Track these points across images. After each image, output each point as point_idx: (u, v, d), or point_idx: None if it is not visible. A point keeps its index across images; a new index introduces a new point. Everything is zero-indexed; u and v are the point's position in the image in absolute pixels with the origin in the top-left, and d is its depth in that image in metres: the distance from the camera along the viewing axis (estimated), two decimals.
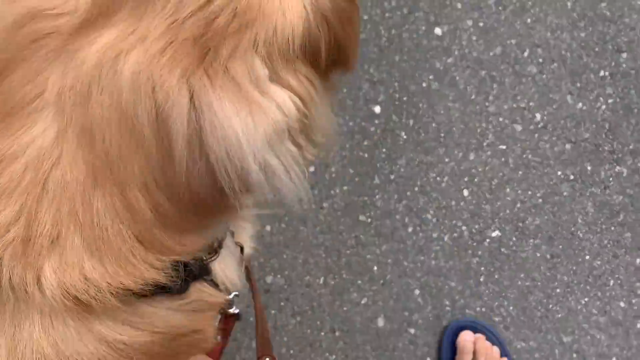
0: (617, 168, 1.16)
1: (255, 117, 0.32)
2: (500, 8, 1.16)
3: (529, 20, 1.16)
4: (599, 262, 1.14)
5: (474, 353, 1.03)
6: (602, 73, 1.17)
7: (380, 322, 1.08)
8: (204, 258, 0.44)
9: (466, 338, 1.03)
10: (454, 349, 1.05)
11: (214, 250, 0.47)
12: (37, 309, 0.33)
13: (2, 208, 0.32)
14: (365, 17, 1.12)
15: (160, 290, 0.37)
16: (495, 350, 1.03)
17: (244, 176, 0.33)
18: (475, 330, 1.05)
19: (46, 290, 0.32)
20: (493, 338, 1.05)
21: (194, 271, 0.41)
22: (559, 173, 1.14)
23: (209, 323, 0.47)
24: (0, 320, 0.34)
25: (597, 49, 1.17)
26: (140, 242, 0.34)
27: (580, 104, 1.16)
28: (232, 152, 0.31)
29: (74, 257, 0.33)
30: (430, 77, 1.12)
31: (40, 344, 0.34)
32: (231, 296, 0.51)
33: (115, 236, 0.33)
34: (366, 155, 1.11)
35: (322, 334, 1.07)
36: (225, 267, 0.50)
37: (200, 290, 0.44)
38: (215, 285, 0.47)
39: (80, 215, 0.32)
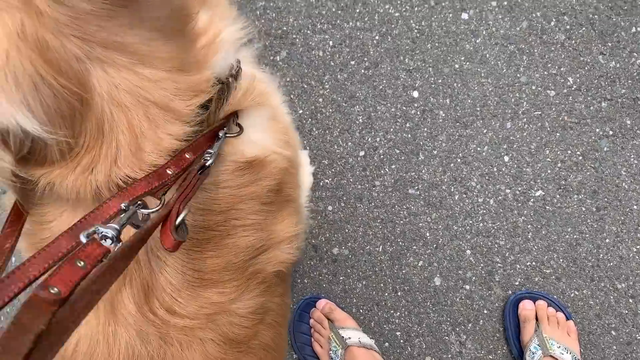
0: None
1: None
2: None
3: None
4: None
5: (539, 319, 1.15)
6: (633, 29, 1.25)
7: (437, 281, 1.25)
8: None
9: (527, 307, 1.17)
10: (517, 321, 1.19)
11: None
12: None
13: None
14: (397, 14, 1.30)
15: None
16: (560, 315, 1.15)
17: None
18: (534, 299, 1.18)
19: None
20: (553, 304, 1.17)
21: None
22: (597, 130, 1.24)
23: None
24: None
25: (625, 7, 1.25)
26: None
27: (613, 63, 1.25)
28: None
29: None
30: (462, 58, 1.28)
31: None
32: None
33: None
34: (409, 135, 1.28)
35: (386, 294, 1.26)
36: None
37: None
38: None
39: None
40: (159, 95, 0.48)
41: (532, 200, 1.25)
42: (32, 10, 0.39)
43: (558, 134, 1.25)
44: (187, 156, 0.52)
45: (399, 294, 1.27)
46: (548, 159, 1.25)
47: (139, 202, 0.48)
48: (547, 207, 1.25)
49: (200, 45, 0.54)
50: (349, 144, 1.31)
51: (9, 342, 0.31)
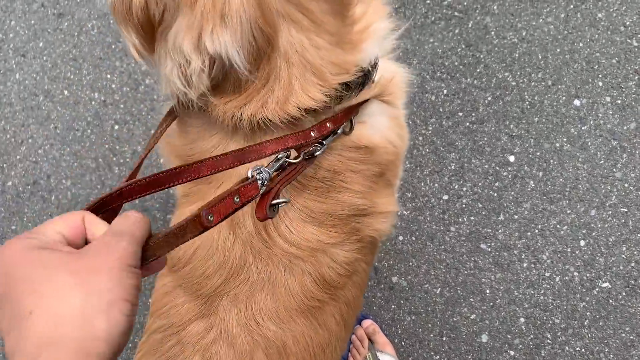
0: None
1: None
2: (639, 89, 1.37)
3: None
4: None
5: None
6: None
7: (484, 338, 1.30)
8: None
9: None
10: None
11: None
12: None
13: None
14: (513, 83, 1.42)
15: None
16: None
17: None
18: None
19: None
20: None
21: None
22: None
23: None
24: None
25: None
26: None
27: None
28: None
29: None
30: (564, 139, 1.37)
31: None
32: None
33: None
34: (495, 194, 1.37)
35: (432, 335, 1.32)
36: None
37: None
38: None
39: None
40: (317, 62, 0.62)
41: (597, 289, 1.30)
42: None
43: (639, 236, 1.31)
44: (329, 125, 0.65)
45: (444, 339, 1.33)
46: (623, 256, 1.31)
47: (288, 152, 0.61)
48: (611, 301, 1.29)
49: (356, 30, 0.68)
50: (436, 185, 1.41)
51: (170, 237, 0.45)
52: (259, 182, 0.56)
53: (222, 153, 0.57)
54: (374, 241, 0.79)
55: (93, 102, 1.65)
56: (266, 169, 0.58)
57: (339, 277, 0.71)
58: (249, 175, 0.56)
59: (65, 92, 1.68)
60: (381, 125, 0.75)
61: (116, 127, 1.62)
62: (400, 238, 1.41)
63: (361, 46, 0.68)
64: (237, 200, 0.52)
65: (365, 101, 0.72)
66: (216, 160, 0.56)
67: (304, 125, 0.65)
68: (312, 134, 0.64)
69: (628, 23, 1.41)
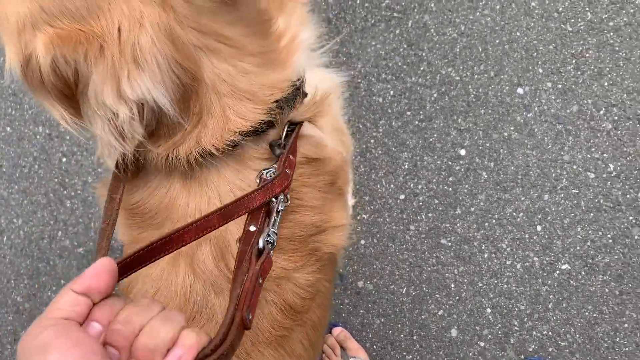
0: None
1: None
2: (579, 73, 1.44)
3: (605, 84, 1.42)
4: None
5: None
6: None
7: (454, 332, 1.34)
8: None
9: None
10: None
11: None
12: None
13: None
14: (457, 78, 1.46)
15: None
16: None
17: None
18: None
19: None
20: None
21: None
22: (631, 218, 1.35)
23: None
24: None
25: None
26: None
27: None
28: None
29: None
30: (511, 128, 1.42)
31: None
32: None
33: None
34: (450, 189, 1.41)
35: (402, 335, 1.35)
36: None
37: None
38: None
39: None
40: (249, 87, 0.64)
41: (557, 272, 1.35)
42: (167, 6, 0.55)
43: (592, 215, 1.37)
44: (291, 158, 0.66)
45: (415, 337, 1.36)
46: (579, 236, 1.36)
47: (277, 197, 0.63)
48: (571, 282, 1.34)
49: (282, 45, 0.70)
50: (392, 186, 1.44)
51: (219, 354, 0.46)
52: (270, 246, 0.59)
53: (207, 213, 0.57)
54: (333, 257, 0.81)
55: (38, 137, 1.64)
56: (273, 230, 0.60)
57: (303, 301, 0.73)
58: (261, 246, 0.58)
59: (8, 128, 1.66)
60: (324, 135, 0.77)
61: (64, 159, 1.61)
62: (362, 242, 1.43)
63: (290, 61, 0.69)
64: (261, 281, 0.54)
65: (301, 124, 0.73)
66: (202, 222, 0.56)
67: (245, 152, 0.66)
68: (287, 171, 0.65)
69: (561, 9, 1.48)
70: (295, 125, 0.71)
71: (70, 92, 0.58)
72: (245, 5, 0.63)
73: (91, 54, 0.53)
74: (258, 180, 0.65)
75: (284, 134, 0.70)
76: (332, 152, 0.77)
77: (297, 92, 0.70)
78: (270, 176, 0.64)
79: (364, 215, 1.45)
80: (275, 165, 0.66)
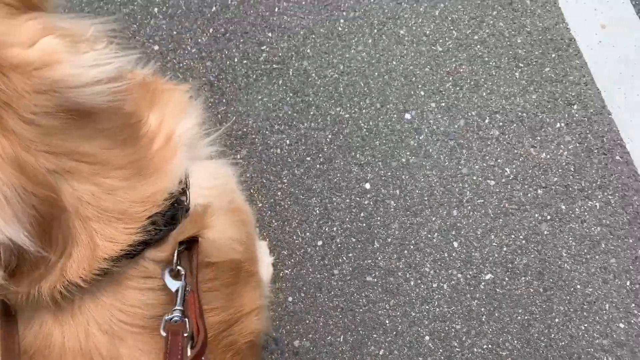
0: (590, 203, 1.41)
1: None
2: (457, 88, 1.51)
3: (484, 94, 1.50)
4: (590, 290, 1.35)
5: None
6: (558, 125, 1.47)
7: None
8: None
9: None
10: None
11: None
12: None
13: None
14: (347, 116, 1.49)
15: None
16: None
17: None
18: None
19: None
20: None
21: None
22: (537, 215, 1.41)
23: None
24: None
25: (549, 106, 1.48)
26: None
27: (543, 154, 1.45)
28: None
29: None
30: (407, 153, 1.46)
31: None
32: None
33: None
34: (364, 224, 1.42)
35: None
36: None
37: None
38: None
39: None
40: (118, 207, 0.58)
41: (482, 283, 1.37)
42: (7, 132, 0.49)
43: (501, 220, 1.41)
44: (195, 295, 0.62)
45: None
46: (494, 244, 1.40)
47: None
48: (498, 290, 1.37)
49: (156, 147, 0.63)
50: (307, 234, 1.43)
51: None
52: None
53: None
54: (253, 343, 0.76)
55: None
56: None
57: None
58: None
59: None
60: (221, 230, 0.72)
61: None
62: (290, 299, 1.40)
63: (165, 167, 0.63)
64: None
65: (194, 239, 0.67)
66: None
67: (123, 272, 0.61)
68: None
69: (428, 32, 1.56)
70: (185, 243, 0.65)
71: None
72: (105, 115, 0.58)
73: None
74: (164, 333, 0.60)
75: (175, 257, 0.63)
76: (230, 249, 0.72)
77: (178, 204, 0.64)
78: (176, 321, 0.60)
79: (286, 271, 1.42)
80: (180, 308, 0.60)
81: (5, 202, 0.49)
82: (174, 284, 0.62)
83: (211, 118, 1.50)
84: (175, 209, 0.63)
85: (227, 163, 0.81)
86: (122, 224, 0.59)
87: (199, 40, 1.60)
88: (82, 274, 0.57)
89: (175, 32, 1.60)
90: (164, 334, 0.59)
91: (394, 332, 1.36)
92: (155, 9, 1.61)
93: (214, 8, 1.62)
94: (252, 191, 1.47)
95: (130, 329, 0.60)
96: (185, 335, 0.59)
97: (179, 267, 0.63)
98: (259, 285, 0.80)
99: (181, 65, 1.58)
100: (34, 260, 0.56)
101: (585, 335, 1.34)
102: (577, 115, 1.49)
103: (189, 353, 0.59)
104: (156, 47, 1.59)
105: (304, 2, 1.61)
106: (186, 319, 0.60)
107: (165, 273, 0.63)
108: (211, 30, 1.60)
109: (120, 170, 0.59)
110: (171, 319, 0.60)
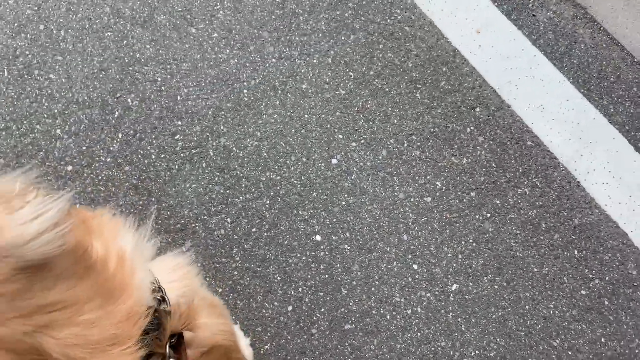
0: (519, 190, 1.53)
1: None
2: (370, 123, 1.59)
3: (395, 121, 1.60)
4: (546, 269, 1.45)
5: None
6: (468, 129, 1.59)
7: None
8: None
9: None
10: None
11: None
12: None
13: None
14: (278, 177, 1.54)
15: None
16: None
17: None
18: None
19: None
20: None
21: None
22: (477, 216, 1.50)
23: None
24: None
25: (455, 115, 1.60)
26: None
27: (464, 159, 1.56)
28: None
29: None
30: (345, 195, 1.52)
31: None
32: None
33: None
34: (327, 276, 1.45)
35: None
36: None
37: None
38: None
39: None
40: (106, 334, 0.59)
41: (451, 295, 1.43)
42: None
43: (448, 231, 1.49)
44: None
45: None
46: (449, 255, 1.47)
47: None
48: (467, 297, 1.43)
49: (112, 268, 0.65)
50: (275, 303, 1.43)
51: None
52: None
53: None
54: None
55: None
56: None
57: None
58: None
59: None
60: (203, 319, 0.74)
61: None
62: None
63: (131, 281, 0.65)
64: None
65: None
66: None
67: None
68: None
69: (328, 80, 1.65)
70: (173, 337, 0.69)
71: None
72: (58, 260, 0.59)
73: None
74: None
75: (168, 351, 0.66)
76: (217, 334, 0.76)
77: (158, 313, 0.66)
78: None
79: (265, 347, 1.41)
80: None
81: None
82: None
83: (145, 221, 1.49)
84: (158, 316, 0.65)
85: (176, 254, 0.83)
86: (118, 347, 0.59)
87: (111, 148, 1.60)
88: None
89: (84, 147, 1.59)
90: None
91: None
92: (58, 130, 1.60)
93: (116, 113, 1.63)
94: (208, 279, 1.47)
95: None
96: None
97: (171, 359, 0.65)
98: None
99: (100, 177, 1.56)
100: None
101: (556, 311, 1.42)
102: (482, 116, 1.62)
103: None
104: (69, 168, 1.57)
105: (203, 84, 1.66)
106: None
107: None
108: (120, 135, 1.61)
109: (92, 302, 0.60)
110: None
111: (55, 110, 1.61)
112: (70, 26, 1.70)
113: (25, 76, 1.65)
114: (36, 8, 1.71)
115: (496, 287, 1.45)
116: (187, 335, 0.72)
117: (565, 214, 1.51)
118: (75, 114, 1.63)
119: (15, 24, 1.68)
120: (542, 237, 1.49)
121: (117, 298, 0.63)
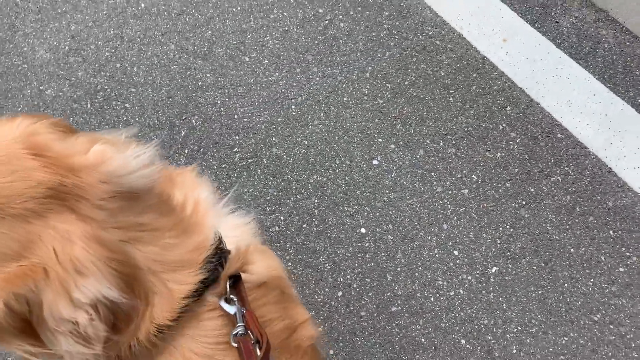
0: (552, 179, 1.64)
1: None
2: (407, 127, 1.76)
3: (431, 123, 1.76)
4: (583, 249, 1.53)
5: None
6: (500, 127, 1.72)
7: None
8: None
9: None
10: None
11: None
12: None
13: None
14: (324, 179, 1.72)
15: None
16: None
17: None
18: None
19: None
20: None
21: None
22: (513, 204, 1.61)
23: None
24: None
25: (487, 115, 1.74)
26: None
27: (498, 153, 1.69)
28: None
29: None
30: (387, 191, 1.68)
31: None
32: None
33: None
34: (372, 264, 1.59)
35: None
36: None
37: None
38: None
39: None
40: (178, 258, 0.78)
41: (491, 277, 1.54)
42: (86, 218, 0.70)
43: (486, 219, 1.61)
44: (249, 312, 0.80)
45: None
46: (488, 240, 1.58)
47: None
48: (507, 278, 1.53)
49: (189, 212, 0.86)
50: (326, 290, 1.58)
51: None
52: None
53: None
54: (314, 347, 0.95)
55: None
56: None
57: None
58: None
59: None
60: (259, 260, 0.92)
61: None
62: (331, 352, 1.52)
63: (202, 224, 0.83)
64: None
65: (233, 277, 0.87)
66: None
67: (195, 313, 0.78)
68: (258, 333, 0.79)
69: (366, 92, 1.84)
70: (232, 278, 0.84)
71: (29, 327, 0.68)
72: (147, 195, 0.79)
73: (38, 281, 0.65)
74: (235, 344, 0.78)
75: (228, 289, 0.82)
76: (270, 270, 0.92)
77: (220, 251, 0.83)
78: (242, 334, 0.77)
79: (318, 329, 1.55)
80: (242, 324, 0.78)
81: (97, 269, 0.68)
82: (231, 309, 0.79)
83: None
84: (220, 253, 0.82)
85: (242, 214, 1.01)
86: (185, 270, 0.77)
87: (179, 162, 1.84)
88: (167, 316, 0.74)
89: None
90: (235, 345, 0.76)
91: (433, 347, 1.49)
92: None
93: (182, 133, 1.88)
94: None
95: (218, 347, 0.77)
96: (252, 342, 0.75)
97: (231, 296, 0.81)
98: (301, 304, 0.97)
99: None
100: (126, 314, 0.73)
101: (595, 288, 1.49)
102: (512, 114, 1.76)
103: (258, 353, 0.75)
104: None
105: (256, 103, 1.89)
106: (249, 331, 0.77)
107: (222, 302, 0.80)
108: (186, 150, 1.85)
109: (171, 231, 0.79)
110: (237, 333, 0.77)
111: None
112: (141, 63, 1.99)
113: (105, 107, 1.94)
114: (113, 50, 2.02)
115: (535, 267, 1.54)
116: (244, 276, 0.89)
117: (598, 197, 1.60)
118: (147, 136, 1.89)
119: (97, 65, 2.00)
120: (577, 220, 1.58)
121: (190, 233, 0.82)
